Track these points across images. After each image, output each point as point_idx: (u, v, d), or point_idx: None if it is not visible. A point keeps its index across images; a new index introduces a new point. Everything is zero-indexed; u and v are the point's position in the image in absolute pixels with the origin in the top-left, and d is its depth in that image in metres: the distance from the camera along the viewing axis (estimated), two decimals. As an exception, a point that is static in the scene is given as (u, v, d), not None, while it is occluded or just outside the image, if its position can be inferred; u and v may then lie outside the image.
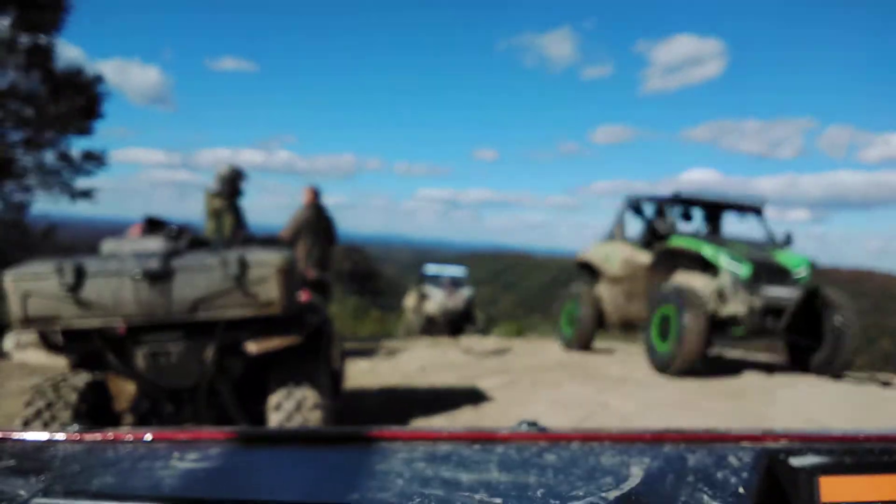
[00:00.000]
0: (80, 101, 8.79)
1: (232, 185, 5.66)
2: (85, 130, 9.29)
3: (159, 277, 2.45)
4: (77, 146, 9.49)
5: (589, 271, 8.00)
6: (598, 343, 8.01)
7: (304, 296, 2.96)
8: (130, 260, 2.49)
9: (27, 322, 2.42)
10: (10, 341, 2.67)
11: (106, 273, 2.45)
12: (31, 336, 2.58)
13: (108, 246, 3.06)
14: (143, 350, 2.57)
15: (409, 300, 15.11)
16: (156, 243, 2.86)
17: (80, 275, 2.41)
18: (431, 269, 15.99)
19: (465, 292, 14.34)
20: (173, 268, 2.48)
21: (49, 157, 9.20)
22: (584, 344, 7.63)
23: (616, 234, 7.69)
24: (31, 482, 0.56)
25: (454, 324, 13.85)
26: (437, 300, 13.92)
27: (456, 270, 16.24)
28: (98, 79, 9.32)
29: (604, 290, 7.50)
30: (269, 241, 3.46)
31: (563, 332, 8.01)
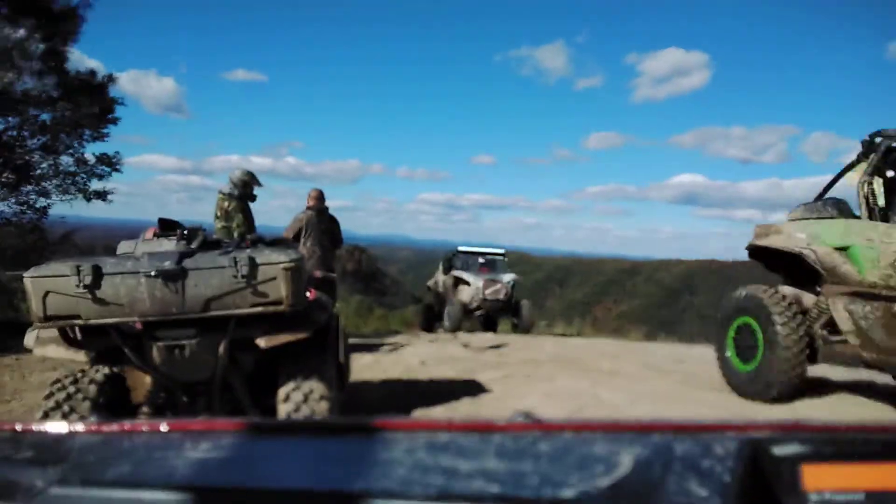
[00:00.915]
0: (96, 103, 8.75)
1: (244, 188, 5.67)
2: (100, 136, 9.25)
3: (173, 276, 2.45)
4: (92, 151, 9.43)
5: (779, 265, 4.62)
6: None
7: (310, 294, 2.96)
8: (145, 260, 2.50)
9: (47, 319, 2.43)
10: (30, 337, 2.67)
11: (122, 272, 2.45)
12: (50, 332, 2.58)
13: (124, 247, 3.06)
14: (159, 345, 2.58)
15: (439, 285, 11.83)
16: (170, 244, 2.86)
17: (97, 274, 2.42)
18: (465, 247, 12.35)
19: (508, 278, 11.00)
20: (186, 267, 2.48)
21: (65, 161, 9.18)
22: (784, 388, 4.20)
23: (863, 203, 3.94)
24: (49, 472, 0.56)
25: (490, 317, 10.96)
26: (473, 288, 10.66)
27: (494, 251, 12.43)
28: (110, 78, 9.23)
29: (838, 306, 3.92)
30: (278, 241, 3.46)
31: (734, 366, 4.63)
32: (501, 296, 10.60)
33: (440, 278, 11.92)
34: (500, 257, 12.42)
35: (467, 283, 10.87)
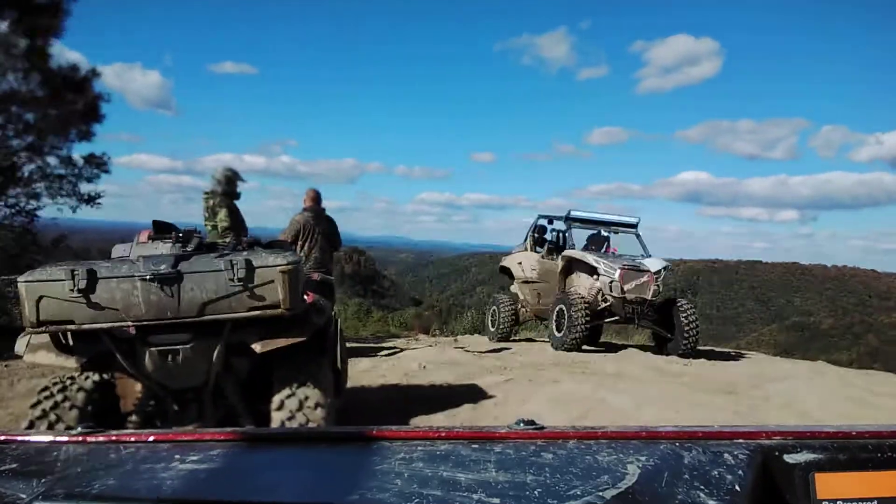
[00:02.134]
0: (80, 101, 8.69)
1: (228, 185, 5.66)
2: (86, 135, 9.20)
3: (168, 280, 2.44)
4: (79, 151, 9.38)
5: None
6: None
7: (307, 297, 2.95)
8: (141, 263, 2.49)
9: (40, 325, 2.42)
10: (21, 343, 2.66)
11: (117, 276, 2.44)
12: (42, 337, 2.57)
13: (118, 250, 3.05)
14: (152, 350, 2.56)
15: (526, 268, 7.86)
16: (165, 247, 2.85)
17: (92, 278, 2.41)
18: (579, 213, 7.84)
19: (657, 265, 7.06)
20: (182, 271, 2.47)
21: (52, 162, 9.14)
22: None
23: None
24: (33, 485, 0.55)
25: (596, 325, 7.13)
26: (605, 278, 6.90)
27: (624, 219, 8.00)
28: (94, 72, 9.15)
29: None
30: (275, 243, 3.45)
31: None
32: (649, 293, 6.83)
33: (527, 260, 7.94)
34: (633, 230, 7.93)
35: (592, 271, 7.07)
